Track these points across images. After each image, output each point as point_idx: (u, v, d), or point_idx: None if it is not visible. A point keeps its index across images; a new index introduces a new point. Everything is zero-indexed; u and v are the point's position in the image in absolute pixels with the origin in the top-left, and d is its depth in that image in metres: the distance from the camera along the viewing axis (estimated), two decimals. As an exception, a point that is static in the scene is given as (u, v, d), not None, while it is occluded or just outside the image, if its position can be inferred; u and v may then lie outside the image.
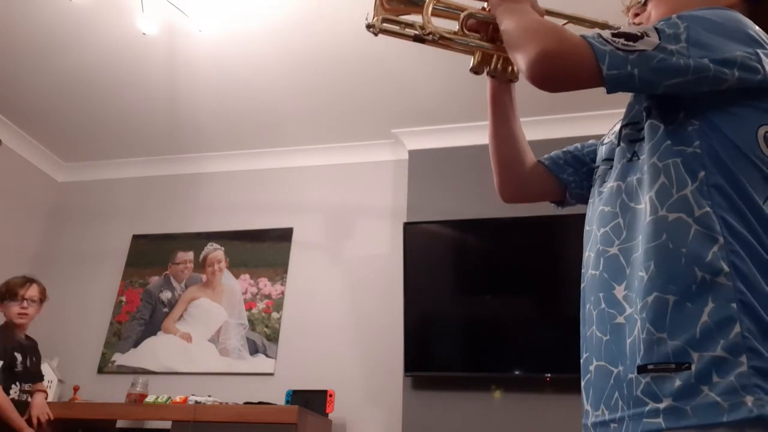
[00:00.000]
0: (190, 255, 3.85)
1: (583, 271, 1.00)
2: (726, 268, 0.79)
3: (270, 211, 3.85)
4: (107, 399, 3.32)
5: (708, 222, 0.82)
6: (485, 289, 3.15)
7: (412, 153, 3.65)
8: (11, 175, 3.93)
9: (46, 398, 2.97)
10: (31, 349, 3.00)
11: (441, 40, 1.06)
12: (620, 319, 0.87)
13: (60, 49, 3.19)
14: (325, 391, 3.11)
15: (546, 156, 1.22)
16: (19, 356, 2.86)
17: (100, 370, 3.63)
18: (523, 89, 1.10)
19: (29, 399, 2.87)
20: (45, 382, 3.31)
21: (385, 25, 1.05)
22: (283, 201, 3.86)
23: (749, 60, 0.85)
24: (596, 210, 1.00)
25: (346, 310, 3.47)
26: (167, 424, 2.92)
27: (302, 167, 3.93)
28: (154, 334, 3.66)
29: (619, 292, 0.89)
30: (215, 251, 3.81)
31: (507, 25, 0.99)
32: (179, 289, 3.77)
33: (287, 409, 2.81)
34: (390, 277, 3.36)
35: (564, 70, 0.89)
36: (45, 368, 3.41)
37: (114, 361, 3.63)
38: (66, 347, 3.68)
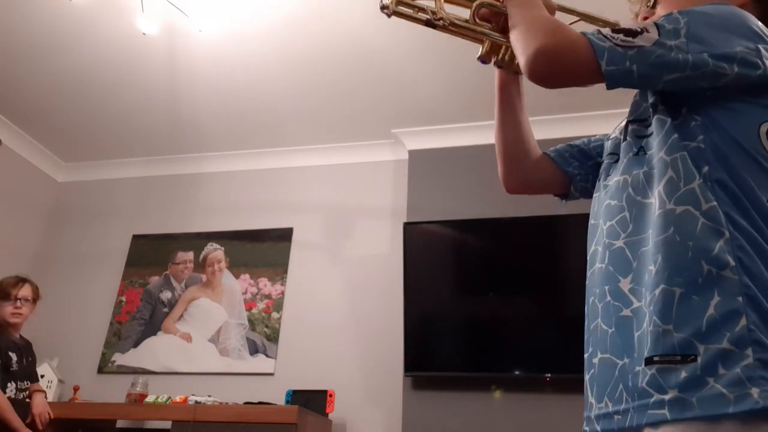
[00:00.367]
0: (190, 255, 3.85)
1: (588, 265, 1.01)
2: (732, 262, 0.80)
3: (270, 211, 3.85)
4: (107, 399, 3.32)
5: (714, 216, 0.83)
6: (485, 289, 3.14)
7: (412, 153, 3.65)
8: (11, 175, 3.93)
9: (45, 398, 2.97)
10: (25, 348, 3.00)
11: (451, 26, 1.07)
12: (626, 312, 0.88)
13: (60, 49, 3.19)
14: (325, 391, 3.11)
15: (552, 149, 1.22)
16: (14, 356, 2.86)
17: (100, 370, 3.63)
18: (526, 89, 1.10)
19: (26, 398, 2.88)
20: (45, 382, 3.32)
21: (399, 7, 1.07)
22: (283, 201, 3.86)
23: (749, 55, 0.86)
24: (602, 203, 1.00)
25: (346, 310, 3.47)
26: (167, 424, 2.92)
27: (302, 167, 3.93)
28: (154, 334, 3.66)
29: (625, 284, 0.89)
30: (215, 251, 3.81)
31: (513, 19, 1.00)
32: (179, 289, 3.77)
33: (287, 409, 2.81)
34: (390, 277, 3.36)
35: (562, 67, 0.90)
36: (45, 368, 3.42)
37: (114, 361, 3.63)
38: (66, 347, 3.68)
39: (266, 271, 3.68)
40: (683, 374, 0.77)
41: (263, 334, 3.51)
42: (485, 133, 3.47)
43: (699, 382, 0.76)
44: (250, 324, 3.56)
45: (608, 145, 1.07)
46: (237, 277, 3.72)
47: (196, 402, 2.92)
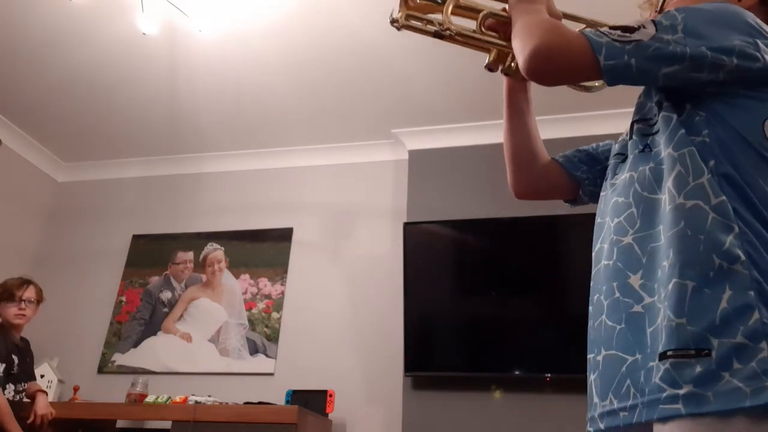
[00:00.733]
0: (190, 255, 3.85)
1: (593, 263, 1.01)
2: (742, 256, 0.80)
3: (270, 211, 3.85)
4: (107, 399, 3.32)
5: (724, 210, 0.83)
6: (485, 289, 3.14)
7: (412, 153, 3.65)
8: (11, 175, 3.93)
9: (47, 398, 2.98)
10: (25, 349, 3.01)
11: (458, 37, 1.10)
12: (638, 308, 0.88)
13: (60, 49, 3.19)
14: (325, 391, 3.11)
15: (560, 154, 1.23)
16: (15, 358, 2.87)
17: (100, 370, 3.63)
18: (530, 89, 1.11)
19: (23, 398, 2.89)
20: (45, 382, 3.33)
21: (408, 21, 1.11)
22: (283, 201, 3.87)
23: (748, 48, 0.86)
24: (609, 201, 1.00)
25: (346, 310, 3.47)
26: (167, 424, 2.92)
27: (302, 167, 3.93)
28: (154, 334, 3.66)
29: (635, 281, 0.89)
30: (215, 251, 3.81)
31: (515, 25, 1.01)
32: (179, 289, 3.77)
33: (287, 409, 2.81)
34: (390, 277, 3.36)
35: (559, 63, 0.91)
36: (45, 368, 3.42)
37: (114, 361, 3.63)
38: (66, 347, 3.68)
39: (266, 271, 3.68)
40: (698, 369, 0.77)
41: (263, 334, 3.51)
42: (485, 133, 3.47)
43: (714, 376, 0.76)
44: (250, 324, 3.56)
45: (615, 147, 1.08)
46: (237, 277, 3.72)
47: (196, 402, 2.91)
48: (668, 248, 0.85)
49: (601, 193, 1.07)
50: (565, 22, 1.06)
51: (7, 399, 2.76)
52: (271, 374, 3.40)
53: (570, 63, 0.91)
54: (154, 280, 3.83)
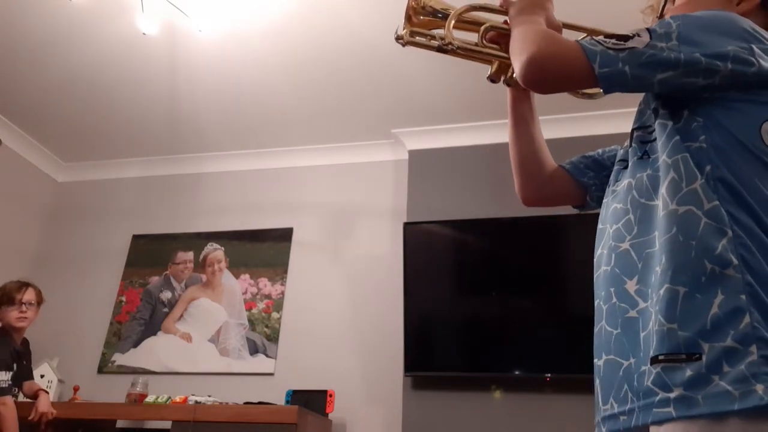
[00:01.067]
0: (190, 255, 3.85)
1: (594, 268, 1.02)
2: (735, 260, 0.80)
3: (270, 211, 3.85)
4: (107, 399, 3.32)
5: (717, 215, 0.83)
6: (485, 289, 3.14)
7: (412, 153, 3.65)
8: (11, 175, 3.93)
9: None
10: (24, 353, 3.01)
11: (460, 50, 1.13)
12: (632, 313, 0.89)
13: (60, 49, 3.19)
14: (325, 391, 3.11)
15: (567, 161, 1.25)
16: (16, 365, 2.87)
17: (100, 370, 3.63)
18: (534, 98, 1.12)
19: (19, 398, 2.89)
20: (45, 382, 3.33)
21: (413, 37, 1.15)
22: (283, 201, 3.87)
23: (742, 53, 0.87)
24: (609, 208, 1.02)
25: (346, 310, 3.47)
26: (167, 424, 2.92)
27: (302, 167, 3.93)
28: (154, 334, 3.66)
29: (631, 286, 0.90)
30: (215, 251, 3.81)
31: (513, 36, 1.04)
32: (179, 289, 3.77)
33: (287, 409, 2.81)
34: (390, 277, 3.36)
35: (554, 71, 0.93)
36: (45, 368, 3.42)
37: (114, 361, 3.63)
38: (66, 347, 3.68)
39: (266, 271, 3.68)
40: (688, 372, 0.77)
41: (263, 334, 3.51)
42: (485, 133, 3.47)
43: (704, 379, 0.76)
44: (250, 324, 3.56)
45: (620, 153, 1.09)
46: (237, 277, 3.72)
47: (196, 402, 2.91)
48: (661, 254, 0.86)
49: (604, 200, 1.08)
50: (565, 32, 1.08)
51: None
52: (271, 374, 3.40)
53: (565, 71, 0.92)
54: (154, 280, 3.83)
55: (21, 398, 2.97)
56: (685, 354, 0.78)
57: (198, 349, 3.56)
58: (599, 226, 1.04)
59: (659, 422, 0.79)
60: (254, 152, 3.99)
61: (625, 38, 0.90)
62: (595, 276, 1.01)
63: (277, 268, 3.67)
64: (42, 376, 3.39)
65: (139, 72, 3.33)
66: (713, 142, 0.87)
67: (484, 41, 1.14)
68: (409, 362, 3.02)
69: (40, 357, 3.45)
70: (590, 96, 1.18)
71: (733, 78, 0.87)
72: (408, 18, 1.13)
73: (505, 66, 1.15)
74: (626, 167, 1.01)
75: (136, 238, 3.97)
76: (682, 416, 0.76)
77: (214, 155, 4.05)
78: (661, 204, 0.89)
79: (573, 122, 3.35)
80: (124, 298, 3.81)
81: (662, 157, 0.91)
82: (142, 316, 3.73)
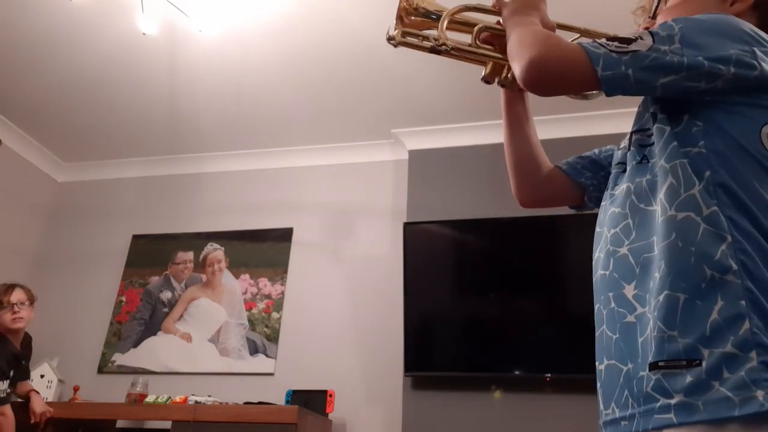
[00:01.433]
0: (190, 255, 3.85)
1: (593, 272, 1.02)
2: (734, 266, 0.80)
3: (270, 211, 3.85)
4: (107, 399, 3.32)
5: (716, 220, 0.83)
6: (485, 289, 3.14)
7: (412, 153, 3.65)
8: (11, 175, 3.93)
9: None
10: (22, 354, 3.00)
11: (454, 51, 1.12)
12: (630, 318, 0.88)
13: (60, 49, 3.19)
14: (325, 391, 3.11)
15: (563, 161, 1.24)
16: (12, 371, 2.86)
17: (100, 370, 3.63)
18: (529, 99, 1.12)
19: (13, 397, 2.88)
20: (45, 382, 3.33)
21: (405, 38, 1.13)
22: (283, 201, 3.87)
23: (745, 57, 0.86)
24: (607, 212, 1.01)
25: (346, 310, 3.47)
26: (167, 424, 2.92)
27: (302, 167, 3.93)
28: (154, 334, 3.66)
29: (629, 291, 0.90)
30: (215, 251, 3.81)
31: (510, 37, 1.02)
32: (179, 289, 3.77)
33: (287, 409, 2.81)
34: (390, 277, 3.36)
35: (556, 74, 0.92)
36: (45, 368, 3.42)
37: (114, 361, 3.63)
38: (66, 347, 3.68)
39: (266, 271, 3.68)
40: (688, 378, 0.77)
41: (263, 334, 3.51)
42: (485, 133, 3.47)
43: (704, 385, 0.76)
44: (250, 324, 3.56)
45: (617, 155, 1.09)
46: (237, 277, 3.72)
47: (196, 402, 2.92)
48: (660, 260, 0.85)
49: (602, 203, 1.08)
50: (559, 32, 1.07)
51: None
52: (271, 374, 3.40)
53: (567, 74, 0.92)
54: (154, 280, 3.83)
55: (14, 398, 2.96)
56: (685, 360, 0.78)
57: (198, 349, 3.56)
58: (597, 229, 1.04)
59: (660, 428, 0.79)
60: (254, 152, 3.99)
61: (627, 41, 0.89)
62: (594, 279, 1.01)
63: (277, 268, 3.67)
64: (42, 376, 3.39)
65: (139, 72, 3.33)
66: (713, 147, 0.87)
67: (477, 42, 1.13)
68: (409, 362, 3.02)
69: (40, 357, 3.45)
70: (585, 97, 1.18)
71: (736, 82, 0.86)
72: (400, 19, 1.12)
73: (499, 67, 1.14)
74: (624, 170, 1.01)
75: (136, 238, 3.97)
76: (682, 422, 0.76)
77: (214, 155, 4.05)
78: (660, 210, 0.88)
79: (573, 122, 3.35)
80: (124, 298, 3.81)
81: (660, 162, 0.91)
82: (142, 316, 3.73)
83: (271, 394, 3.18)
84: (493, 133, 3.42)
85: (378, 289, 3.43)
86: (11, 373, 2.85)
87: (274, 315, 3.55)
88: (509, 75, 1.14)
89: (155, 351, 3.60)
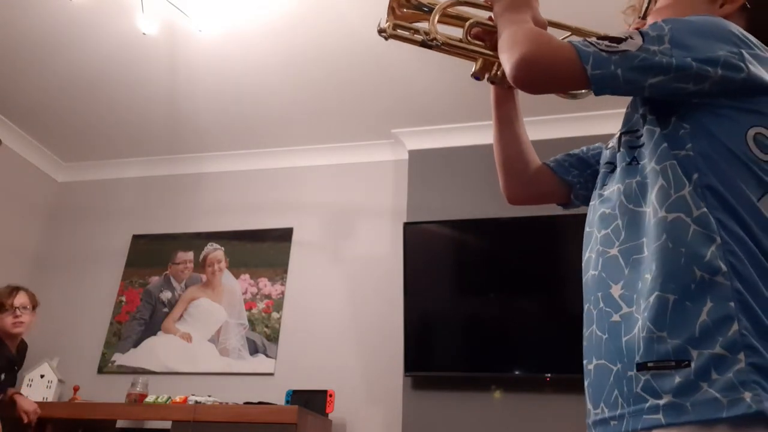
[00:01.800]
0: (190, 255, 3.85)
1: (583, 272, 1.02)
2: (724, 267, 0.80)
3: (270, 211, 3.85)
4: (107, 399, 3.32)
5: (705, 222, 0.84)
6: (485, 289, 3.14)
7: (412, 153, 3.65)
8: (11, 175, 3.93)
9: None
10: (19, 359, 2.98)
11: (444, 46, 1.11)
12: (616, 317, 0.89)
13: (60, 48, 3.19)
14: (325, 391, 3.11)
15: (551, 159, 1.25)
16: (3, 375, 2.84)
17: (100, 370, 3.63)
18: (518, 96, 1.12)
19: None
20: (45, 382, 3.33)
21: (396, 31, 1.12)
22: (283, 201, 3.87)
23: (732, 58, 0.87)
24: (597, 212, 1.01)
25: (346, 310, 3.47)
26: (167, 424, 2.92)
27: (302, 167, 3.93)
28: (154, 334, 3.66)
29: (616, 290, 0.90)
30: (215, 251, 3.81)
31: (501, 34, 1.02)
32: (179, 289, 3.77)
33: (287, 409, 2.81)
34: (390, 277, 3.36)
35: (547, 72, 0.93)
36: (45, 368, 3.42)
37: (114, 361, 3.63)
38: (66, 347, 3.68)
39: (266, 271, 3.68)
40: (677, 379, 0.78)
41: (263, 334, 3.51)
42: (485, 133, 3.47)
43: (693, 386, 0.76)
44: (250, 324, 3.56)
45: (606, 155, 1.09)
46: (237, 277, 3.72)
47: (196, 402, 2.92)
48: (651, 261, 0.86)
49: (591, 202, 1.08)
50: (550, 30, 1.07)
51: None
52: (271, 374, 3.40)
53: (557, 72, 0.92)
54: (154, 280, 3.83)
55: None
56: (674, 361, 0.79)
57: (198, 349, 3.56)
58: (586, 229, 1.04)
59: (649, 429, 0.79)
60: (254, 152, 3.99)
61: (618, 40, 0.90)
62: (584, 280, 1.01)
63: (277, 268, 3.67)
64: (42, 376, 3.39)
65: (139, 72, 3.33)
66: (700, 150, 0.87)
67: (468, 37, 1.13)
68: (409, 362, 3.02)
69: (40, 357, 3.46)
70: (574, 96, 1.18)
71: (723, 84, 0.87)
72: (391, 10, 1.11)
73: (489, 63, 1.14)
74: (613, 171, 1.01)
75: (136, 238, 3.97)
76: (671, 423, 0.76)
77: (214, 155, 4.05)
78: (651, 211, 0.89)
79: (573, 122, 3.35)
80: (124, 298, 3.81)
81: (650, 164, 0.91)
82: (142, 316, 3.73)
83: (271, 394, 3.18)
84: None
85: (378, 289, 3.43)
86: (2, 376, 2.82)
87: (274, 315, 3.55)
88: (499, 72, 1.14)
89: (155, 351, 3.61)
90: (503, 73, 1.13)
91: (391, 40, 1.14)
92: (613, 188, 0.98)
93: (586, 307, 0.98)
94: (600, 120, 3.28)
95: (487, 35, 1.12)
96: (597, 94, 0.92)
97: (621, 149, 1.00)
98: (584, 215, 1.08)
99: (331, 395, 3.10)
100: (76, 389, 3.37)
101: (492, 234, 3.24)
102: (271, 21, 2.94)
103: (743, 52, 0.88)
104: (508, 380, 2.96)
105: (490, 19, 1.12)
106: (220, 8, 2.87)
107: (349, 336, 3.40)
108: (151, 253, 3.91)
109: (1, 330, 2.86)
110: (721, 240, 0.82)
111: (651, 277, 0.85)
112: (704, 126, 0.89)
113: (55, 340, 3.68)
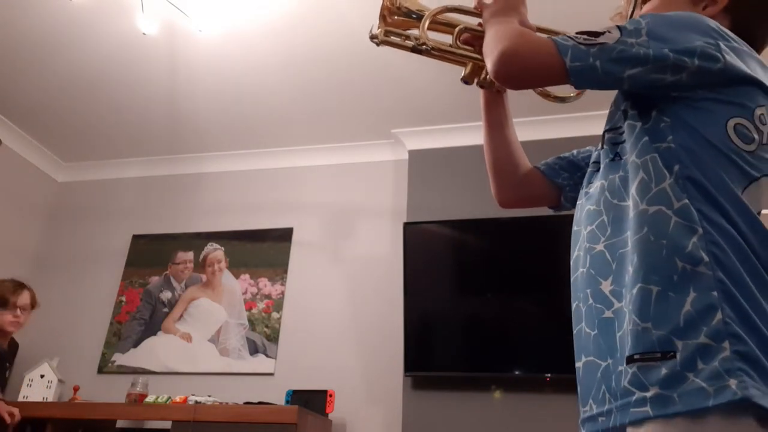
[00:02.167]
0: (190, 255, 3.85)
1: (571, 270, 1.03)
2: (706, 257, 0.81)
3: (270, 211, 3.85)
4: (107, 399, 3.32)
5: (687, 213, 0.84)
6: (485, 289, 3.14)
7: (412, 153, 3.65)
8: (11, 175, 3.93)
9: None
10: (9, 358, 2.96)
11: (434, 51, 1.14)
12: (608, 314, 0.89)
13: (60, 48, 3.19)
14: (325, 391, 3.11)
15: (542, 162, 1.26)
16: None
17: (100, 370, 3.63)
18: (521, 91, 1.12)
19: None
20: (45, 382, 3.33)
21: (387, 37, 1.15)
22: (283, 201, 3.87)
23: (709, 49, 0.88)
24: (583, 210, 1.02)
25: (346, 310, 3.47)
26: (167, 424, 2.92)
27: (302, 167, 3.93)
28: (154, 334, 3.66)
29: (606, 287, 0.91)
30: (215, 251, 3.81)
31: (486, 36, 1.04)
32: (179, 289, 3.77)
33: (287, 409, 2.81)
34: (390, 277, 3.36)
35: (527, 66, 0.95)
36: (45, 368, 3.42)
37: (114, 361, 3.63)
38: (66, 347, 3.68)
39: (266, 271, 3.68)
40: (663, 371, 0.78)
41: (263, 334, 3.51)
42: (485, 133, 3.47)
43: (679, 377, 0.77)
44: (250, 324, 3.56)
45: (594, 155, 1.10)
46: (237, 277, 3.72)
47: (196, 402, 2.92)
48: (633, 254, 0.86)
49: (578, 201, 1.09)
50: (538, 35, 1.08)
51: None
52: (271, 374, 3.40)
53: (537, 65, 0.93)
54: (154, 280, 3.83)
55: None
56: (660, 352, 0.79)
57: (198, 349, 3.56)
58: (574, 228, 1.05)
59: (637, 422, 0.79)
60: (254, 152, 3.99)
61: (596, 34, 0.91)
62: (572, 278, 1.02)
63: (277, 268, 3.67)
64: (42, 376, 3.39)
65: (139, 72, 3.33)
66: (681, 142, 0.88)
67: (458, 43, 1.15)
68: (409, 362, 3.02)
69: (40, 357, 3.46)
70: (562, 99, 1.20)
71: (700, 75, 0.88)
72: (383, 18, 1.14)
73: (478, 68, 1.16)
74: (598, 169, 1.02)
75: (136, 238, 3.97)
76: (659, 415, 0.76)
77: (214, 155, 4.05)
78: (632, 204, 0.89)
79: (572, 122, 3.35)
80: (124, 298, 3.81)
81: (632, 158, 0.92)
82: (142, 316, 3.73)
83: (271, 394, 3.18)
84: (493, 133, 3.43)
85: (378, 289, 3.43)
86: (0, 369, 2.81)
87: (274, 315, 3.55)
88: (488, 76, 1.16)
89: (155, 351, 3.60)
90: (491, 78, 1.14)
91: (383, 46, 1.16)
92: (597, 185, 0.99)
93: (574, 305, 0.99)
94: (599, 120, 3.27)
95: (477, 40, 1.14)
96: (577, 87, 0.94)
97: (605, 146, 1.01)
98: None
99: (331, 395, 3.10)
100: (76, 389, 3.37)
101: (492, 234, 3.24)
102: (271, 21, 2.94)
103: (720, 43, 0.89)
104: (508, 380, 2.96)
105: (479, 25, 1.13)
106: (220, 8, 2.87)
107: (349, 336, 3.40)
108: (151, 253, 3.91)
109: None
110: (703, 231, 0.82)
111: (633, 269, 0.85)
112: (683, 119, 0.89)
113: (55, 340, 3.68)
